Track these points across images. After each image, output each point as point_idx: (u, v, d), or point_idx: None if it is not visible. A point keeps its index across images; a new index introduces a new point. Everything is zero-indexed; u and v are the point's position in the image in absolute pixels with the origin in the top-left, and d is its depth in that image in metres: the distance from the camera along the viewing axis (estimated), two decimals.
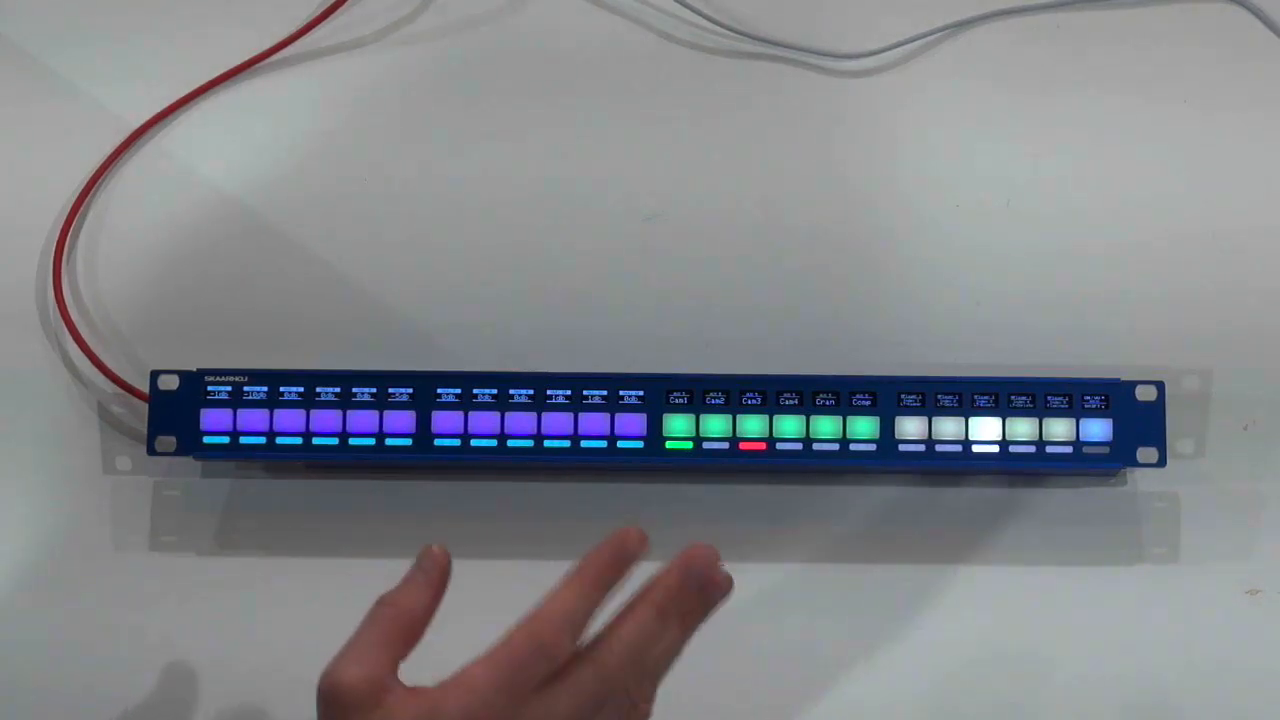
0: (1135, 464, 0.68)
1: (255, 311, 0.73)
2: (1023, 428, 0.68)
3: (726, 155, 0.75)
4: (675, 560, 0.54)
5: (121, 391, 0.72)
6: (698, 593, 0.54)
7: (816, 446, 0.68)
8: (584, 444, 0.69)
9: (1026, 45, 0.75)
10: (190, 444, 0.69)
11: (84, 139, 0.75)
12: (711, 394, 0.69)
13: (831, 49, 0.75)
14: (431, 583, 0.55)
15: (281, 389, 0.69)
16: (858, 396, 0.69)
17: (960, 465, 0.69)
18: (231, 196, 0.75)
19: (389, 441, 0.69)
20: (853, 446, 0.68)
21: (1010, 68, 0.75)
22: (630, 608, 0.54)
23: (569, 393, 0.69)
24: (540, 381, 0.69)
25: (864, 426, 0.69)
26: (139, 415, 0.72)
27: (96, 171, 0.75)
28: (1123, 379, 0.69)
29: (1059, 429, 0.68)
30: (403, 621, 0.53)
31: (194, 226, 0.75)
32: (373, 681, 0.51)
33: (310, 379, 0.69)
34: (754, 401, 0.69)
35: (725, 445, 0.69)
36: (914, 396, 0.68)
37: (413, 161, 0.75)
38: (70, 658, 0.71)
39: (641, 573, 0.54)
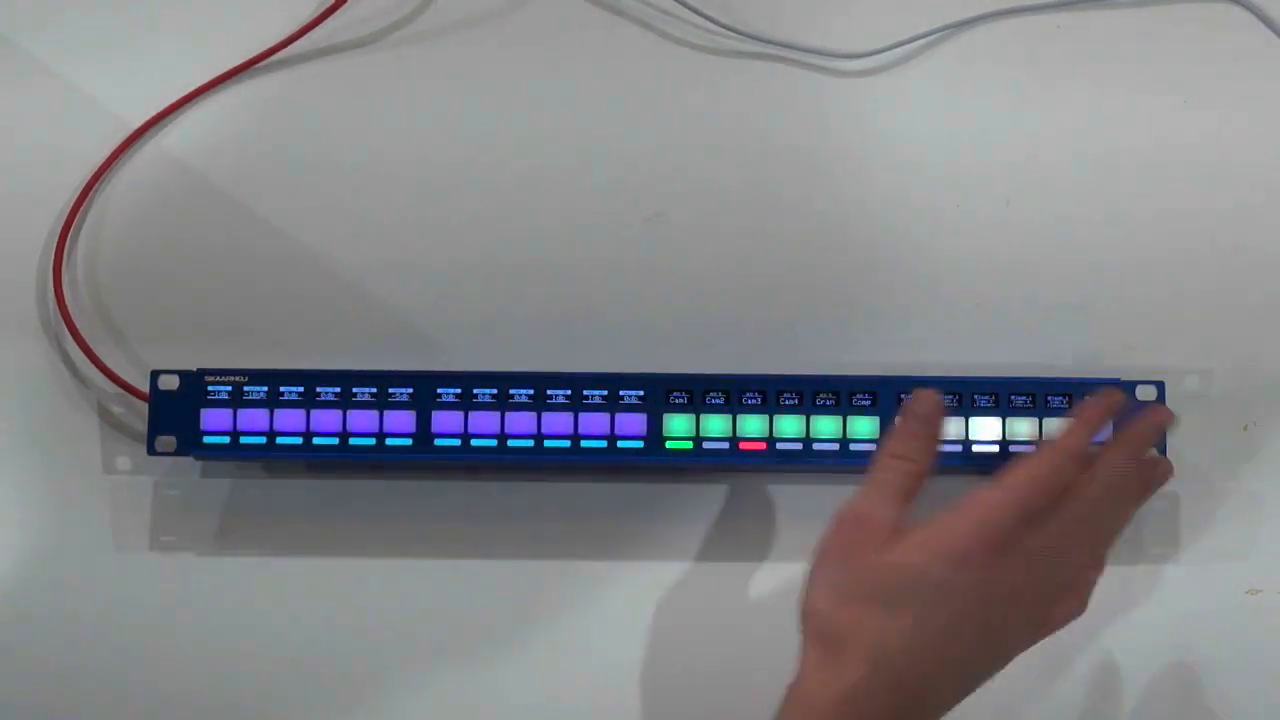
0: None
1: (255, 311, 0.73)
2: (1023, 428, 0.69)
3: (727, 155, 0.75)
4: (1141, 419, 0.64)
5: (121, 391, 0.72)
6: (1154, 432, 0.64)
7: (816, 446, 0.68)
8: (584, 444, 0.69)
9: (1026, 45, 0.75)
10: (190, 444, 0.69)
11: (84, 139, 0.75)
12: (711, 394, 0.69)
13: (831, 49, 0.75)
14: (931, 435, 0.62)
15: (281, 389, 0.69)
16: (858, 396, 0.69)
17: (960, 465, 0.69)
18: (231, 196, 0.75)
19: (389, 441, 0.69)
20: (853, 446, 0.68)
21: (1010, 68, 0.75)
22: (1103, 454, 0.62)
23: (569, 393, 0.69)
24: (540, 381, 0.69)
25: (864, 426, 0.69)
26: (139, 415, 0.72)
27: (96, 171, 0.75)
28: (1123, 379, 0.69)
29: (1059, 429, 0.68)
30: (911, 471, 0.61)
31: (194, 226, 0.75)
32: (895, 520, 0.60)
33: (310, 379, 0.69)
34: (754, 401, 0.69)
35: (725, 445, 0.69)
36: None
37: (412, 161, 0.75)
38: (70, 658, 0.71)
39: None
